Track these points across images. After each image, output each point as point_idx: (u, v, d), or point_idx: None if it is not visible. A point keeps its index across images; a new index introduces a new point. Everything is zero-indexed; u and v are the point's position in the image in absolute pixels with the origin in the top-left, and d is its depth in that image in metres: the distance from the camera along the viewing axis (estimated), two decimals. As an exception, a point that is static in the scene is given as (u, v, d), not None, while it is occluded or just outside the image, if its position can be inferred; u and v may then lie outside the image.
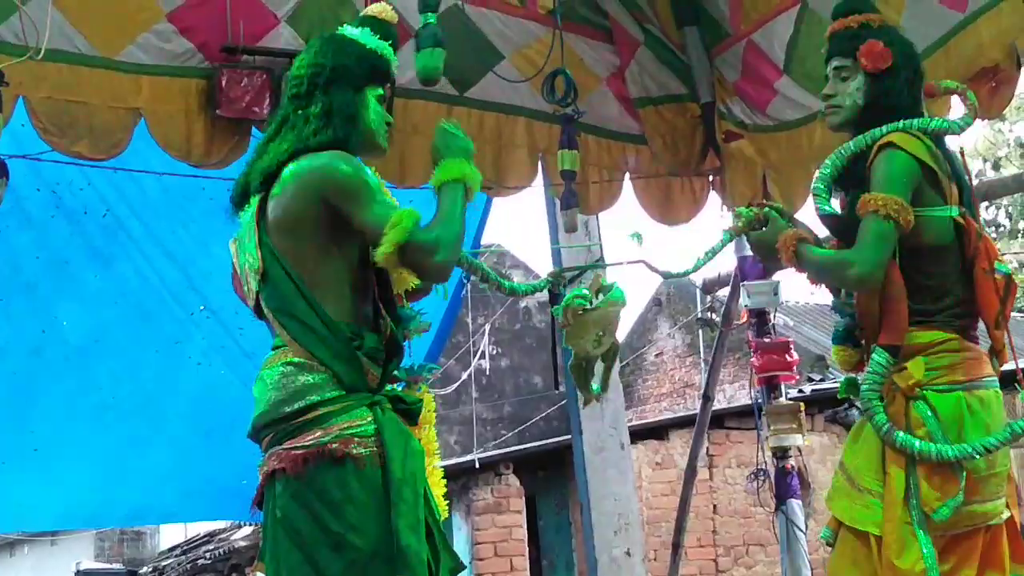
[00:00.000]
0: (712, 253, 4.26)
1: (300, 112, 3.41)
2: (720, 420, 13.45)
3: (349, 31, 3.57)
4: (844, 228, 3.61)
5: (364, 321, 3.37)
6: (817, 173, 3.74)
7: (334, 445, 3.14)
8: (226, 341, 7.03)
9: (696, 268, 4.12)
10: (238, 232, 3.47)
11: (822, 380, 15.34)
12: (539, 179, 6.41)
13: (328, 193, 3.26)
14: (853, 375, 3.87)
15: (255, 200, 3.38)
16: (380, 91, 3.53)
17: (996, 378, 3.62)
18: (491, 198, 6.83)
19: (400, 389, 3.77)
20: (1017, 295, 3.68)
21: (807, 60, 6.03)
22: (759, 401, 6.88)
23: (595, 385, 3.99)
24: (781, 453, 6.66)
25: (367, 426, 3.19)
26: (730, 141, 6.71)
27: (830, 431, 13.94)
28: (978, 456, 3.41)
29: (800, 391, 13.48)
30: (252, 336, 6.70)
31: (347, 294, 3.33)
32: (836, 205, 3.80)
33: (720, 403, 14.92)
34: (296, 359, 3.21)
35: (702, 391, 8.05)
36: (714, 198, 6.93)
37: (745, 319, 6.89)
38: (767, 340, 6.76)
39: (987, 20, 4.82)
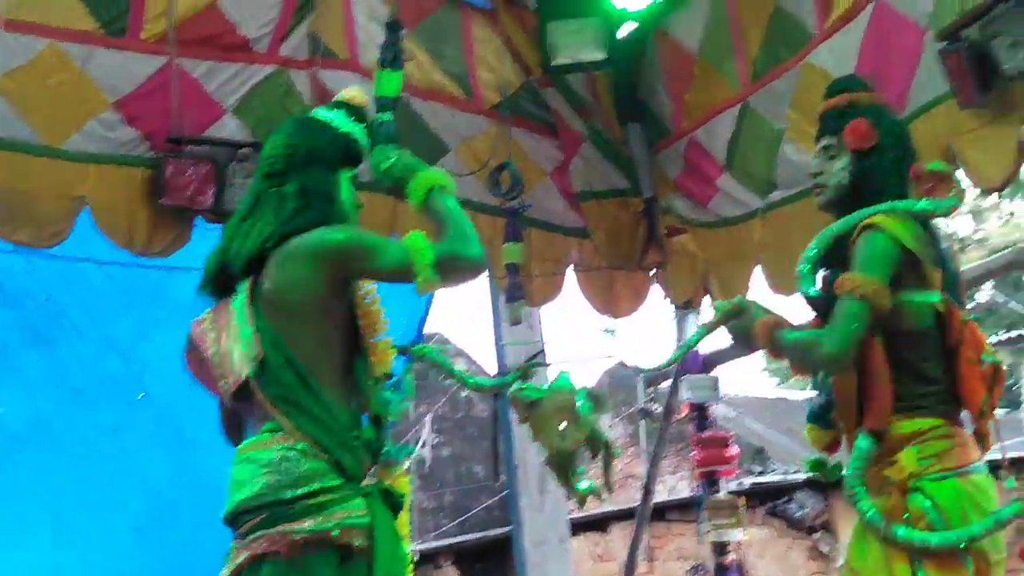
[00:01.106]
0: (687, 347, 4.26)
1: (274, 190, 3.41)
2: (661, 512, 13.38)
3: (323, 114, 3.60)
4: (828, 309, 3.55)
5: (354, 408, 3.37)
6: (802, 254, 3.68)
7: (336, 533, 3.14)
8: (166, 428, 6.95)
9: (671, 363, 4.10)
10: (209, 313, 3.43)
11: (762, 472, 15.35)
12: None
13: (339, 264, 3.27)
14: (823, 456, 3.83)
15: (244, 284, 3.37)
16: (353, 173, 3.57)
17: (985, 463, 3.56)
18: (434, 289, 6.85)
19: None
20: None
21: (748, 158, 6.14)
22: (699, 495, 6.88)
23: (586, 483, 3.88)
24: (720, 548, 6.65)
25: (364, 518, 3.20)
26: (672, 236, 6.80)
27: (769, 524, 13.91)
28: (962, 544, 3.33)
29: (740, 483, 13.45)
30: (192, 423, 6.63)
31: (341, 381, 3.34)
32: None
33: (662, 495, 14.86)
34: (299, 445, 3.19)
35: (643, 483, 8.04)
36: (656, 291, 7.00)
37: (685, 413, 6.91)
38: (707, 434, 6.78)
39: (923, 122, 4.90)
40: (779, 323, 3.63)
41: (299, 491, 3.16)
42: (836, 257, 3.60)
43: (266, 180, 3.47)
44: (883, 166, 3.68)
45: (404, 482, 4.00)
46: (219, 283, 3.44)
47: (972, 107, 4.79)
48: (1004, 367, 3.59)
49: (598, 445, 3.88)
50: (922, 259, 3.53)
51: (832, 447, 3.79)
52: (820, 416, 3.82)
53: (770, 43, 5.86)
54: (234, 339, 3.31)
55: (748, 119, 6.08)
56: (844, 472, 3.55)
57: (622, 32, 6.67)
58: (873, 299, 3.39)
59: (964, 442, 3.52)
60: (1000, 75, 4.61)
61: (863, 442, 3.46)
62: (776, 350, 3.61)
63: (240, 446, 3.31)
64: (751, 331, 3.67)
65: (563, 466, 3.83)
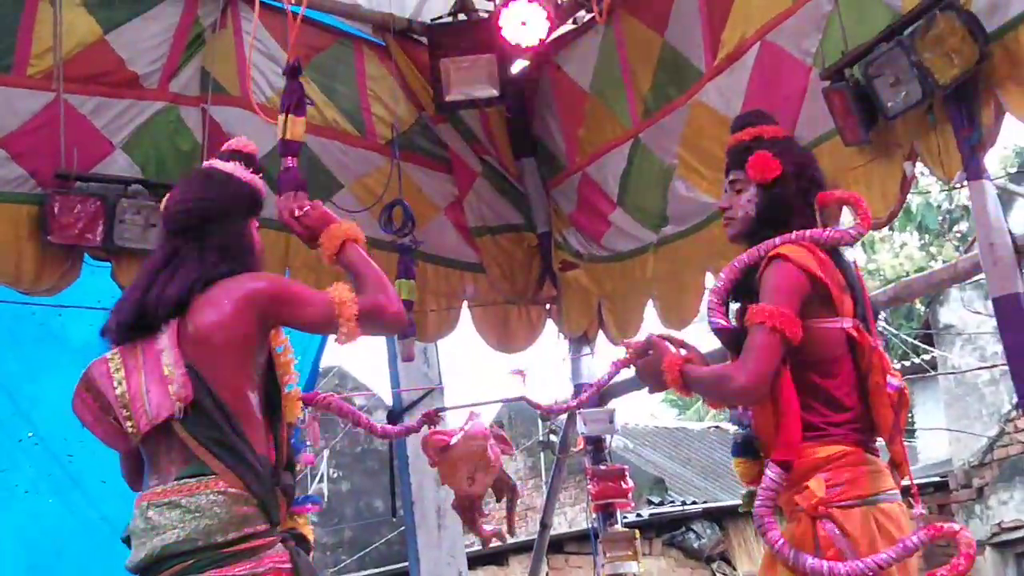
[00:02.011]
0: (597, 386, 4.23)
1: (194, 243, 3.40)
2: (560, 545, 13.42)
3: (222, 165, 3.59)
4: (737, 341, 3.53)
5: (270, 455, 3.37)
6: (711, 286, 3.71)
7: None
8: (54, 469, 6.84)
9: (580, 403, 4.04)
10: (115, 354, 3.36)
11: (661, 503, 15.43)
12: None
13: (267, 309, 3.29)
14: (753, 488, 3.72)
15: (167, 326, 3.30)
16: (257, 222, 3.58)
17: (898, 491, 3.54)
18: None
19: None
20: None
21: (640, 194, 6.21)
22: (596, 527, 6.88)
23: (491, 526, 3.87)
24: (617, 580, 6.66)
25: (288, 563, 3.20)
26: (566, 271, 6.84)
27: (667, 555, 14.00)
28: (870, 573, 3.28)
29: (638, 515, 13.52)
30: (81, 464, 6.55)
31: (261, 428, 3.34)
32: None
33: (561, 527, 14.88)
34: (231, 489, 3.18)
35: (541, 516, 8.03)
36: (551, 326, 7.03)
37: (582, 446, 6.90)
38: (603, 467, 6.79)
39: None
40: (688, 359, 3.62)
41: (231, 536, 3.15)
42: (744, 289, 3.60)
43: (181, 235, 3.45)
44: (788, 196, 3.66)
45: (308, 529, 4.01)
46: (132, 329, 3.41)
47: (856, 144, 4.89)
48: (908, 391, 3.59)
49: (504, 489, 3.89)
50: (830, 286, 3.52)
51: (760, 478, 3.75)
52: (745, 448, 3.79)
53: (659, 81, 5.94)
54: (155, 380, 3.27)
55: (639, 155, 6.15)
56: (756, 503, 3.49)
57: (515, 69, 6.72)
58: (784, 329, 3.38)
59: (878, 470, 3.51)
60: (882, 113, 4.72)
61: (771, 472, 3.44)
62: (685, 387, 3.59)
63: (154, 489, 3.25)
64: (660, 369, 3.64)
65: (470, 509, 3.83)
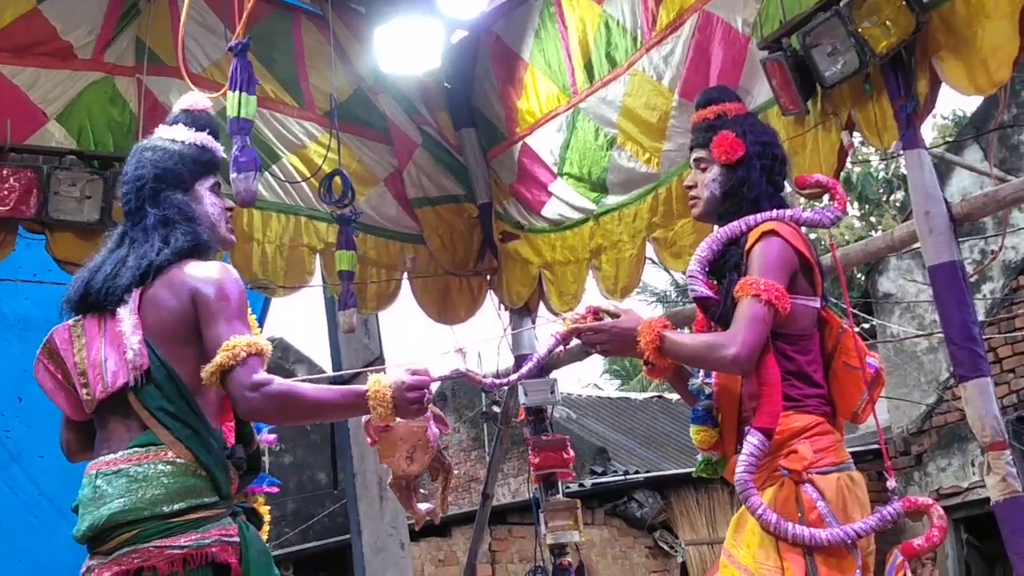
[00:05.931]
0: (538, 360, 4.21)
1: (138, 226, 3.38)
2: (502, 515, 13.41)
3: (164, 132, 3.53)
4: (721, 311, 3.60)
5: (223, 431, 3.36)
6: (693, 256, 3.70)
7: (214, 549, 3.11)
8: (-6, 446, 6.80)
9: (520, 377, 3.99)
10: (77, 322, 3.34)
11: (604, 473, 15.47)
12: (318, 278, 6.41)
13: (198, 297, 3.23)
14: (709, 454, 3.83)
15: (131, 294, 3.28)
16: (211, 181, 3.51)
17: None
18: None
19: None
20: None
21: (580, 164, 6.20)
22: (538, 498, 6.90)
23: (426, 505, 3.85)
24: (558, 550, 6.68)
25: (235, 537, 3.18)
26: (507, 241, 6.84)
27: (610, 524, 14.04)
28: (849, 541, 3.40)
29: (581, 484, 13.55)
30: (19, 439, 6.50)
31: (215, 402, 3.31)
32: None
33: (505, 497, 14.90)
34: (179, 460, 3.16)
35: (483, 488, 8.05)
36: (492, 298, 7.03)
37: (523, 417, 6.91)
38: (545, 437, 6.80)
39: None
40: (666, 324, 3.61)
41: (177, 506, 3.13)
42: (724, 262, 3.65)
43: (127, 218, 3.44)
44: (753, 176, 3.72)
45: (264, 509, 3.99)
46: (83, 305, 3.38)
47: (795, 113, 4.91)
48: (884, 371, 3.74)
49: (440, 469, 3.88)
50: (814, 265, 3.62)
51: (718, 445, 3.80)
52: (705, 417, 3.81)
53: (599, 50, 5.94)
54: (114, 347, 3.26)
55: (579, 124, 6.15)
56: (738, 470, 3.51)
57: (454, 39, 6.70)
58: (777, 303, 3.45)
59: (841, 439, 3.65)
60: (820, 82, 4.74)
61: (754, 439, 3.49)
62: (664, 353, 3.56)
63: (104, 458, 3.23)
64: (633, 330, 3.61)
65: (406, 488, 3.82)
